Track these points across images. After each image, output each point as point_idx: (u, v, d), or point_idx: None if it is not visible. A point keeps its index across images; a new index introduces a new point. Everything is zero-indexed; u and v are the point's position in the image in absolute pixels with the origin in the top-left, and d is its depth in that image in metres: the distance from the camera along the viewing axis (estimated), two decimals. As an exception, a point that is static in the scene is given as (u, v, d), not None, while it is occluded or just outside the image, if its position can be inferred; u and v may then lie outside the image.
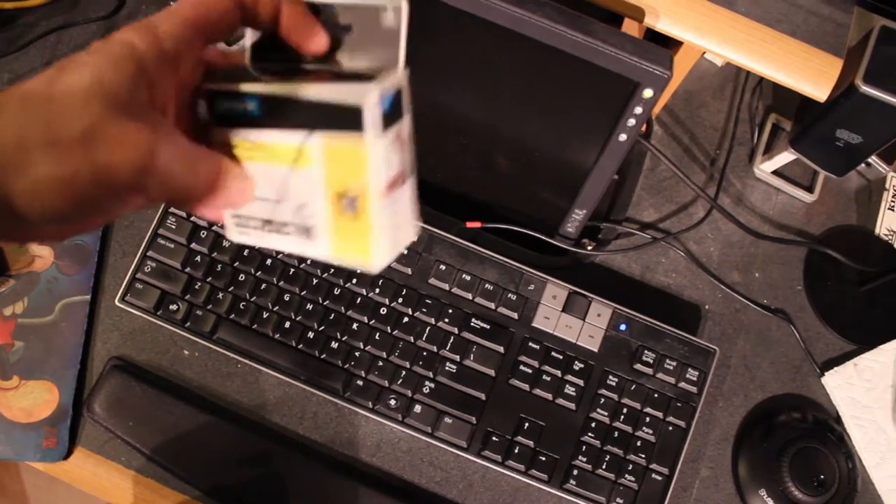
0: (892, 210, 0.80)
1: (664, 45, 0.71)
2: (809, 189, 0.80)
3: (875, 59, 0.65)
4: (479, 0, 0.58)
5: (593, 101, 0.63)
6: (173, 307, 0.68)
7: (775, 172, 0.80)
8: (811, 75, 0.66)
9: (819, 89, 0.67)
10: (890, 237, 0.79)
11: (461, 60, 0.65)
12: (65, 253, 0.71)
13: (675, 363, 0.69)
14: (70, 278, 0.70)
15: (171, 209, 0.70)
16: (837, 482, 0.69)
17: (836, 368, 0.74)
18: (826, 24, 0.67)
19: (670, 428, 0.68)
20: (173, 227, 0.69)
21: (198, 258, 0.69)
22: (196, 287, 0.68)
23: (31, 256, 0.70)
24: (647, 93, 0.59)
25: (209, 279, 0.69)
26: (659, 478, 0.67)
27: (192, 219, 0.70)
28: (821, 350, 0.75)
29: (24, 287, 0.70)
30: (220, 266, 0.69)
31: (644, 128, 0.73)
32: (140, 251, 0.69)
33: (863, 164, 0.81)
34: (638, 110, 0.61)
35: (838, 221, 0.80)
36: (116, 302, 0.68)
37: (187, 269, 0.69)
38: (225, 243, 0.69)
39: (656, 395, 0.68)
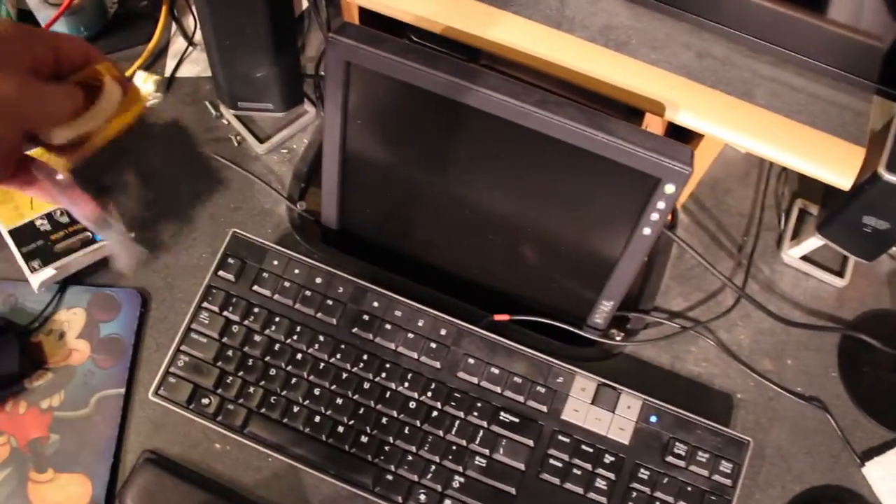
0: (927, 294, 0.79)
1: (687, 136, 0.72)
2: (840, 274, 0.80)
3: (898, 148, 0.65)
4: (505, 103, 0.60)
5: (617, 197, 0.64)
6: (205, 401, 0.69)
7: (804, 258, 0.80)
8: (833, 164, 0.67)
9: (843, 178, 0.67)
10: (925, 321, 0.78)
11: (488, 159, 0.66)
12: (101, 346, 0.72)
13: (707, 455, 0.68)
14: (106, 371, 0.72)
15: (204, 304, 0.71)
16: (883, 579, 0.67)
17: (877, 458, 0.72)
18: (845, 114, 0.67)
19: (705, 523, 0.67)
20: (206, 321, 0.71)
21: (229, 353, 0.70)
22: (227, 381, 0.69)
23: (68, 350, 0.72)
24: (669, 188, 0.60)
25: (240, 373, 0.70)
26: (695, 575, 0.66)
27: (225, 314, 0.71)
28: (860, 439, 0.73)
29: (60, 380, 0.71)
30: (251, 360, 0.70)
31: (669, 218, 0.74)
32: (173, 345, 0.70)
33: (894, 248, 0.80)
34: (660, 205, 0.62)
35: (871, 306, 0.79)
36: (150, 396, 0.69)
37: (219, 364, 0.70)
38: (256, 338, 0.70)
39: (689, 489, 0.67)
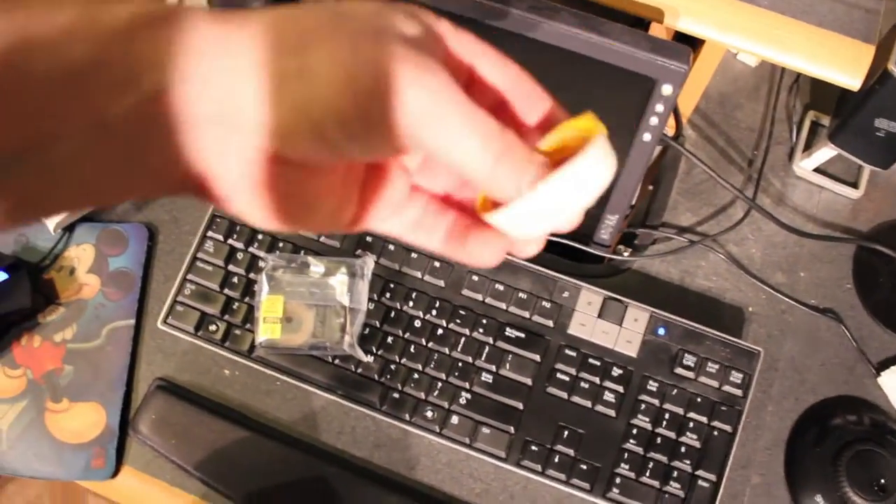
0: (946, 202, 0.77)
1: (691, 45, 0.70)
2: (854, 185, 0.78)
3: (908, 43, 0.63)
4: (496, 9, 0.59)
5: (615, 102, 0.62)
6: (212, 327, 0.70)
7: (817, 170, 0.78)
8: (842, 64, 0.65)
9: (852, 78, 0.65)
10: (944, 230, 0.76)
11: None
12: (111, 280, 0.73)
13: (717, 366, 0.67)
14: (116, 304, 0.72)
15: (209, 234, 0.72)
16: (900, 487, 0.66)
17: (893, 367, 0.71)
18: (854, 12, 0.65)
19: (716, 433, 0.66)
20: (211, 250, 0.71)
21: (235, 279, 0.70)
22: (234, 307, 0.70)
23: (79, 284, 0.73)
24: (667, 89, 0.59)
25: (246, 299, 0.70)
26: (706, 485, 0.65)
27: (229, 241, 0.71)
28: (875, 349, 0.72)
29: (72, 314, 0.72)
30: (256, 286, 0.70)
31: (674, 129, 0.72)
32: (180, 274, 0.71)
33: (911, 157, 0.78)
34: (659, 108, 0.60)
35: (887, 217, 0.77)
36: (159, 325, 0.70)
37: (225, 291, 0.70)
38: (261, 264, 0.70)
39: (699, 400, 0.67)
